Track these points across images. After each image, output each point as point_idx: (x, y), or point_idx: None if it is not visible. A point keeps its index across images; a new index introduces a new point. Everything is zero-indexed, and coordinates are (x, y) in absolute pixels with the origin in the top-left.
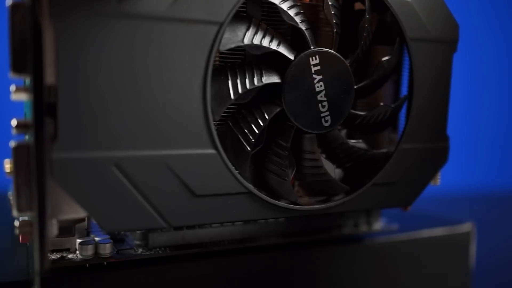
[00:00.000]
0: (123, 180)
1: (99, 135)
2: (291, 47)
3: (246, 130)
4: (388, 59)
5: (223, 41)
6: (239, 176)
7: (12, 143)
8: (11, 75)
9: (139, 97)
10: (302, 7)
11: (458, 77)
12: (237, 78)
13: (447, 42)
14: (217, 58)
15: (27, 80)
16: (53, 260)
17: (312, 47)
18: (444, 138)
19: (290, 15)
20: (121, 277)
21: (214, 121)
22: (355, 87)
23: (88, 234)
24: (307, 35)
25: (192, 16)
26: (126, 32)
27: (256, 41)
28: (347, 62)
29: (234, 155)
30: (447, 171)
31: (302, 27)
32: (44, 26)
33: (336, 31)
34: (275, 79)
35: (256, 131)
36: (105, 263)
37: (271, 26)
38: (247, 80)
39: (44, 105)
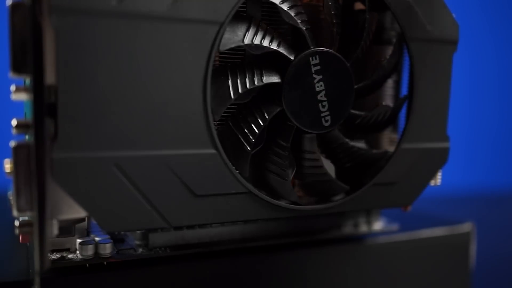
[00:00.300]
0: (123, 180)
1: (99, 135)
2: (291, 47)
3: (246, 130)
4: (388, 59)
5: (223, 41)
6: (239, 176)
7: (12, 143)
8: (11, 75)
9: (139, 97)
10: (302, 7)
11: (458, 77)
12: (237, 78)
13: (447, 42)
14: (217, 58)
15: (27, 80)
16: (53, 260)
17: (312, 47)
18: (444, 138)
19: (290, 15)
20: (121, 277)
21: (214, 121)
22: (355, 87)
23: (88, 234)
24: (307, 35)
25: (192, 16)
26: (126, 32)
27: (256, 41)
28: (347, 62)
29: (234, 155)
30: (447, 171)
31: (302, 27)
32: (44, 26)
33: (336, 31)
34: (275, 79)
35: (256, 131)
36: (105, 263)
37: (271, 26)
38: (247, 80)
39: (44, 105)
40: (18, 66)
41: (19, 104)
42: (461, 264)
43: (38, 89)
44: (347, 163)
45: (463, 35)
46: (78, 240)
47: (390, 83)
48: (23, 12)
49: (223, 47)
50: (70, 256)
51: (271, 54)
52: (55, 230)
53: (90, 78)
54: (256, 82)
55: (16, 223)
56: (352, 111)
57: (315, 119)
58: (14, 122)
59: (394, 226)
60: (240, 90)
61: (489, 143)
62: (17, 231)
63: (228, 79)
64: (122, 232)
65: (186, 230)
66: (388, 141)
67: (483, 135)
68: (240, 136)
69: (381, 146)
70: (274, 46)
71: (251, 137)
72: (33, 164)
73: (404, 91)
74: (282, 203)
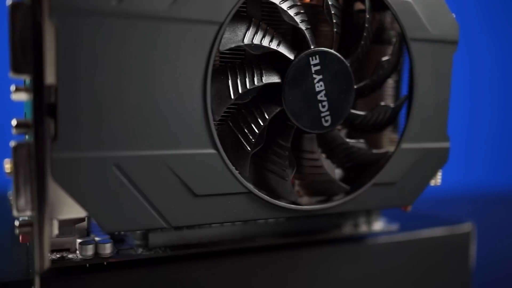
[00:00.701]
0: (123, 180)
1: (99, 135)
2: (291, 47)
3: (246, 130)
4: (388, 59)
5: (223, 41)
6: (239, 176)
7: (12, 143)
8: (11, 75)
9: (139, 97)
10: (302, 7)
11: (458, 77)
12: (237, 78)
13: (447, 42)
14: (217, 58)
15: (27, 80)
16: (53, 260)
17: (312, 47)
18: (444, 138)
19: (290, 15)
20: (121, 277)
21: (214, 121)
22: (355, 87)
23: (88, 234)
24: (307, 35)
25: (192, 16)
26: (126, 32)
27: (256, 41)
28: (347, 62)
29: (234, 155)
30: (447, 171)
31: (302, 27)
32: (44, 26)
33: (336, 31)
34: (275, 79)
35: (256, 131)
36: (105, 263)
37: (271, 26)
38: (247, 80)
39: (44, 105)
40: (18, 66)
41: (19, 104)
42: (461, 264)
43: (38, 89)
44: (347, 163)
45: (463, 35)
46: (78, 240)
47: (390, 83)
48: (23, 12)
49: (223, 47)
50: (70, 256)
51: (271, 54)
52: (55, 230)
53: (90, 78)
54: (256, 82)
55: (16, 223)
56: (352, 111)
57: (315, 119)
58: (14, 122)
59: (394, 226)
60: (240, 90)
61: (489, 143)
62: (17, 231)
63: (228, 79)
64: (122, 232)
65: (186, 230)
66: (388, 141)
67: (483, 135)
68: (240, 136)
69: (381, 146)
70: (274, 46)
71: (251, 137)
72: (33, 164)
73: (404, 91)
74: (282, 203)
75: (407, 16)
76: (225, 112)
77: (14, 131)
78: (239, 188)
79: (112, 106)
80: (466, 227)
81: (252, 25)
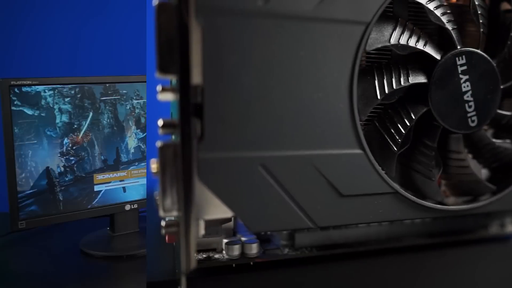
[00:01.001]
0: (270, 180)
1: (245, 135)
2: (438, 47)
3: (392, 130)
4: None
5: (369, 41)
6: (385, 176)
7: (159, 143)
8: (157, 75)
9: (285, 97)
10: (449, 7)
11: None
12: (383, 78)
13: None
14: (363, 58)
15: (173, 80)
16: (200, 260)
17: (458, 47)
18: None
19: (437, 15)
20: (268, 277)
21: (361, 121)
22: (502, 87)
23: (234, 234)
24: (453, 35)
25: (339, 16)
26: (272, 32)
27: (403, 41)
28: (493, 62)
29: (380, 155)
30: None
31: (449, 27)
32: (190, 26)
33: (482, 31)
34: (421, 79)
35: (403, 131)
36: (251, 263)
37: (417, 26)
38: (393, 80)
39: (191, 105)
40: (164, 66)
41: (166, 104)
42: None
43: (184, 89)
44: (494, 163)
45: None
46: (224, 240)
47: None
48: (169, 12)
49: (369, 47)
50: (216, 256)
51: (417, 54)
52: (202, 230)
53: (236, 78)
54: (402, 82)
55: (163, 223)
56: (499, 111)
57: (461, 119)
58: (160, 122)
59: None
60: (386, 90)
61: None
62: (163, 231)
63: (375, 79)
64: (268, 232)
65: (332, 230)
66: None
67: None
68: (386, 136)
69: None
70: (420, 46)
71: (397, 137)
72: (180, 164)
73: None
74: (429, 203)
75: None
76: (371, 112)
77: (160, 131)
78: (385, 188)
79: (258, 106)
80: None
81: (398, 25)
